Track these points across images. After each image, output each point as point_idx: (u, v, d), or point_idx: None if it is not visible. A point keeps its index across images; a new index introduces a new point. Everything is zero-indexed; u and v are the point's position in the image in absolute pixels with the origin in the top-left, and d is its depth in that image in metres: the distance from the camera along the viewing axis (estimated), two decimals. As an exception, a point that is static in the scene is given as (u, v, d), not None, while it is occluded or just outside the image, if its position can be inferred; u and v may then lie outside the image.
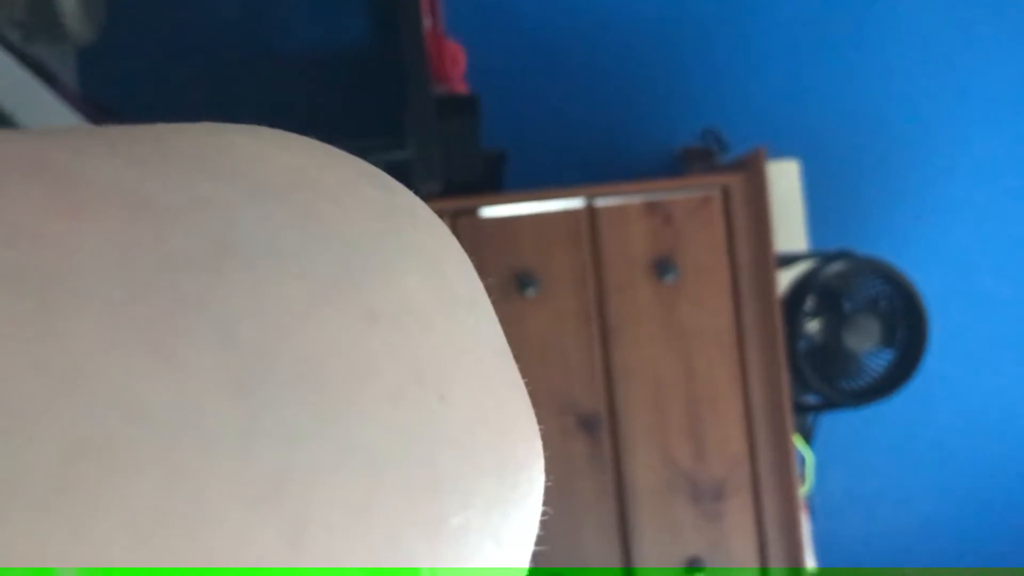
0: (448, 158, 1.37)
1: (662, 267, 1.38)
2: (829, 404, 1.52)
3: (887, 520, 1.88)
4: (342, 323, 0.13)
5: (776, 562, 1.40)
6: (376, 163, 0.17)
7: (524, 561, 0.17)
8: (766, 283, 1.37)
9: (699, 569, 1.38)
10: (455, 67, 1.50)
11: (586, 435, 1.38)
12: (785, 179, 1.62)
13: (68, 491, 0.10)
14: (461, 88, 1.54)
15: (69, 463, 0.10)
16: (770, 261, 1.36)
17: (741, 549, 1.40)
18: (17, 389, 0.10)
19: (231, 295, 0.12)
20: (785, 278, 1.52)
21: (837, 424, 1.79)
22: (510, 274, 1.37)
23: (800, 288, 1.49)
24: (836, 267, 1.46)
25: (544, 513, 0.18)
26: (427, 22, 1.42)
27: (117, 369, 0.10)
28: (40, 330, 0.10)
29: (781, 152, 1.68)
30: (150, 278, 0.11)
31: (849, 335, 1.46)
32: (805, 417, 1.58)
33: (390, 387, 0.14)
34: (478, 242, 1.35)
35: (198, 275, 0.12)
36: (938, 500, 1.89)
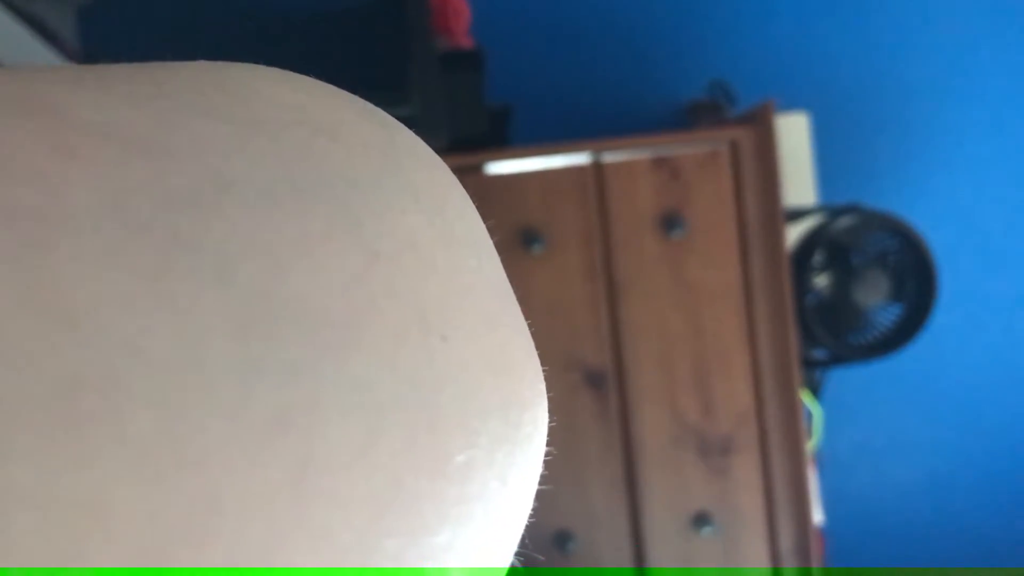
0: (452, 113, 1.35)
1: (669, 222, 1.37)
2: (837, 359, 1.52)
3: (895, 475, 1.89)
4: (342, 262, 0.13)
5: (784, 516, 1.41)
6: (379, 119, 0.17)
7: (529, 500, 0.17)
8: (774, 238, 1.36)
9: (707, 524, 1.39)
10: (459, 20, 1.48)
11: (593, 391, 1.38)
12: (794, 132, 1.60)
13: (68, 426, 0.10)
14: (465, 42, 1.52)
15: (68, 398, 0.10)
16: (778, 216, 1.35)
17: (749, 504, 1.41)
18: (12, 325, 0.10)
19: (228, 234, 0.12)
20: (793, 233, 1.51)
21: (845, 379, 1.79)
22: (516, 231, 1.36)
23: (809, 243, 1.48)
24: (845, 221, 1.45)
25: (548, 453, 0.18)
26: (430, -25, 1.39)
27: (114, 307, 0.10)
28: (36, 268, 0.10)
29: (790, 105, 1.66)
30: (146, 217, 0.11)
31: (858, 289, 1.45)
32: (813, 372, 1.58)
33: (391, 327, 0.13)
34: (483, 199, 1.34)
35: (194, 214, 0.12)
36: (946, 455, 1.90)
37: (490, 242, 0.18)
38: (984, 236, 1.84)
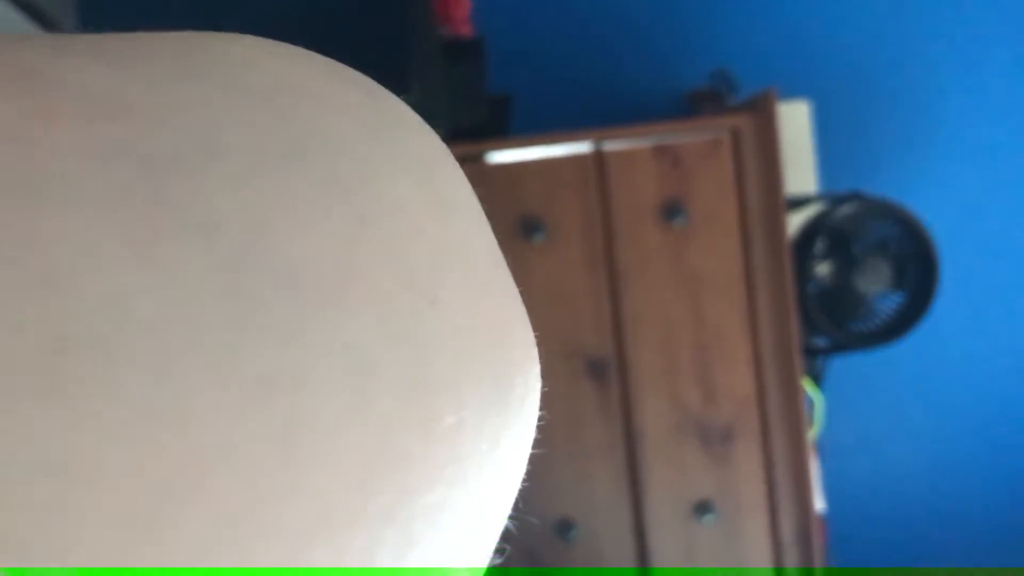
0: (453, 102, 1.35)
1: (671, 211, 1.37)
2: (839, 347, 1.52)
3: (896, 462, 1.89)
4: (329, 226, 0.13)
5: (785, 504, 1.41)
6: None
7: (521, 465, 0.17)
8: (776, 226, 1.36)
9: (708, 511, 1.39)
10: (459, 9, 1.48)
11: (595, 380, 1.38)
12: (795, 121, 1.60)
13: (55, 388, 0.10)
14: (466, 30, 1.51)
15: (55, 359, 0.10)
16: (780, 204, 1.35)
17: (750, 491, 1.41)
18: None
19: (213, 196, 0.12)
20: (795, 221, 1.50)
21: (847, 367, 1.79)
22: (517, 221, 1.36)
23: (810, 231, 1.48)
24: (846, 209, 1.45)
25: (541, 418, 0.18)
26: (430, -37, 1.39)
27: (100, 269, 0.10)
28: (19, 230, 0.10)
29: (791, 93, 1.65)
30: (131, 181, 0.11)
31: (859, 277, 1.45)
32: (814, 360, 1.58)
33: (379, 291, 0.13)
34: (484, 189, 1.33)
35: (178, 176, 0.12)
36: (947, 443, 1.90)
37: (480, 209, 0.18)
38: (986, 224, 1.84)
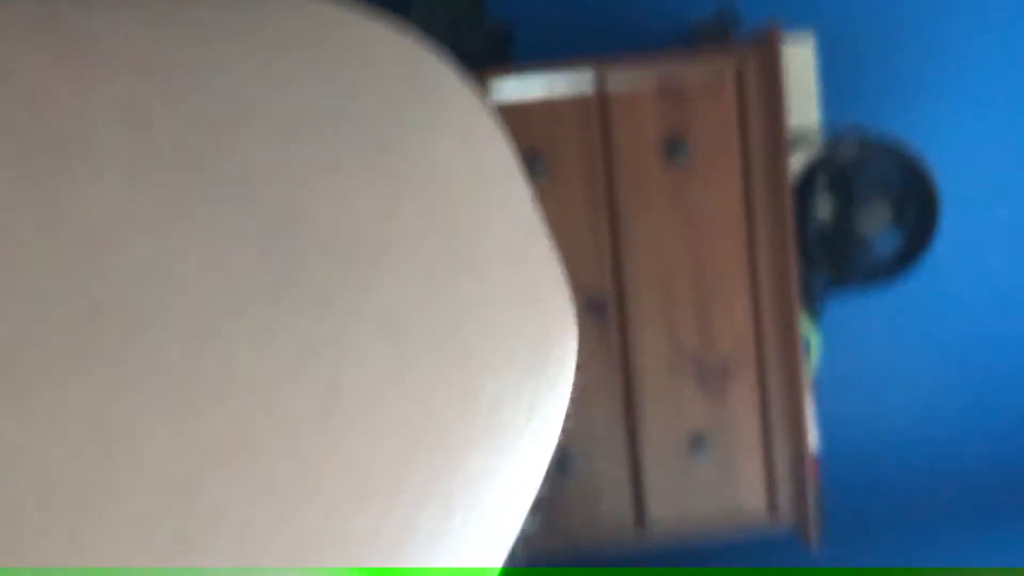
0: (454, 33, 1.33)
1: (673, 148, 1.35)
2: (837, 286, 1.52)
3: (892, 402, 1.91)
4: (369, 190, 0.13)
5: (779, 440, 1.42)
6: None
7: (555, 434, 0.17)
8: (778, 165, 1.35)
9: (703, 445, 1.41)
10: (460, -62, 1.45)
11: (594, 317, 1.39)
12: (799, 55, 1.58)
13: (95, 356, 0.09)
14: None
15: (93, 326, 0.09)
16: (783, 143, 1.34)
17: (745, 428, 1.42)
18: (31, 252, 0.09)
19: (251, 157, 0.12)
20: (797, 160, 1.49)
21: (845, 307, 1.79)
22: (518, 159, 1.35)
23: (811, 170, 1.47)
24: (848, 149, 1.44)
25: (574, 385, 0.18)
26: None
27: (137, 230, 0.10)
28: (52, 194, 0.10)
29: (796, 26, 1.63)
30: (166, 140, 0.11)
31: (860, 217, 1.45)
32: (813, 299, 1.59)
33: (418, 257, 0.13)
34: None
35: (216, 137, 0.11)
36: (943, 383, 1.91)
37: (519, 169, 0.18)
38: (988, 163, 1.83)
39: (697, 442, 1.42)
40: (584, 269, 1.37)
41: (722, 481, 1.44)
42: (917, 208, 1.45)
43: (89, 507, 0.09)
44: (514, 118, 1.35)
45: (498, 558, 0.16)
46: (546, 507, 1.42)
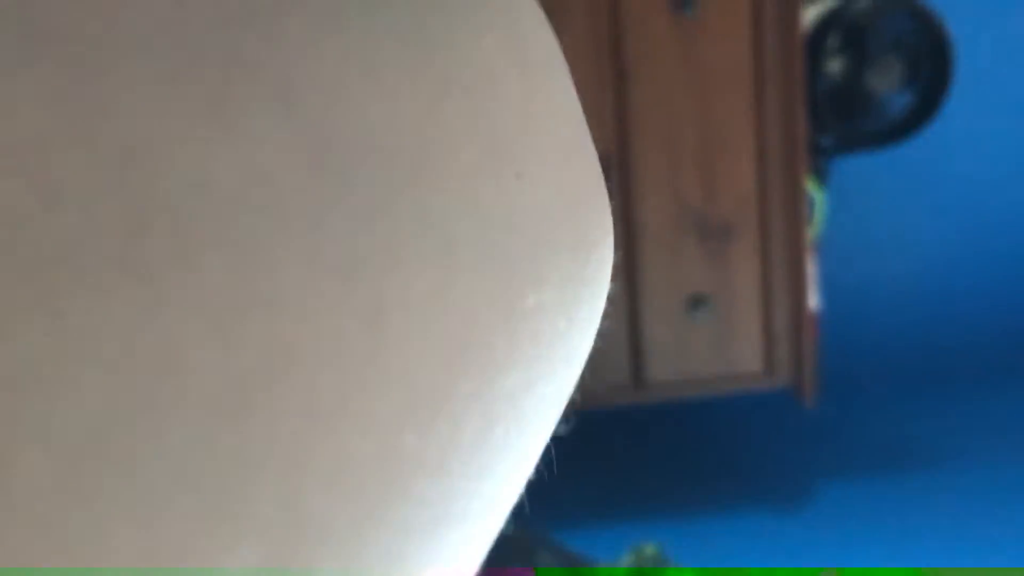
0: None
1: (681, 0, 1.32)
2: (845, 145, 1.50)
3: (895, 266, 1.91)
4: (413, 91, 0.12)
5: (779, 298, 1.43)
6: None
7: (592, 337, 0.17)
8: (790, 18, 1.32)
9: (703, 303, 1.42)
10: None
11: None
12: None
13: (134, 272, 0.09)
14: None
15: (131, 240, 0.09)
16: (795, -7, 1.30)
17: (745, 287, 1.43)
18: (63, 163, 0.09)
19: (292, 58, 0.11)
20: (809, 14, 1.46)
21: (852, 167, 1.77)
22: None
23: (824, 25, 1.43)
24: (863, 2, 1.40)
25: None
26: None
27: (175, 139, 0.10)
28: (88, 100, 0.09)
29: None
30: (203, 38, 0.10)
31: (871, 74, 1.42)
32: (820, 158, 1.57)
33: (465, 163, 0.13)
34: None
35: (255, 34, 0.11)
36: (948, 248, 1.91)
37: (564, 64, 0.17)
38: (1005, 21, 1.78)
39: (696, 299, 1.43)
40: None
41: (720, 337, 1.45)
42: (931, 67, 1.42)
43: (133, 426, 0.09)
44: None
45: (532, 463, 0.16)
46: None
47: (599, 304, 0.16)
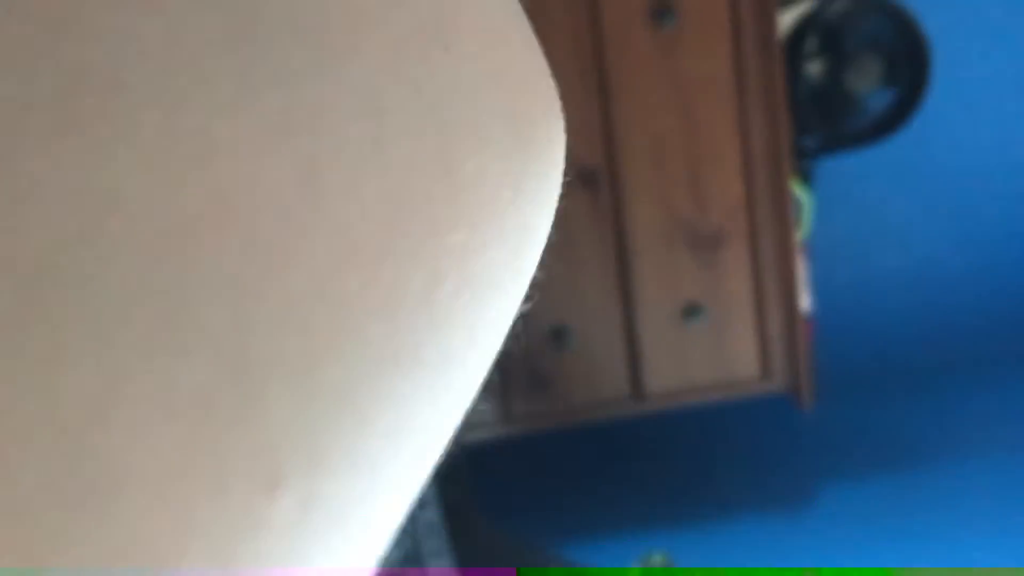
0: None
1: (660, 14, 1.33)
2: (829, 146, 1.51)
3: (885, 263, 1.92)
4: None
5: (772, 302, 1.44)
6: None
7: (547, 217, 0.17)
8: (767, 25, 1.33)
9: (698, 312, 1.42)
10: None
11: (586, 190, 1.38)
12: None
13: (75, 124, 0.10)
14: None
15: (71, 96, 0.10)
16: (771, 1, 1.31)
17: (738, 293, 1.44)
18: (2, 30, 0.10)
19: None
20: (786, 19, 1.47)
21: (836, 168, 1.78)
22: None
23: (801, 28, 1.45)
24: (838, 5, 1.42)
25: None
26: None
27: (106, 8, 0.10)
28: None
29: None
30: None
31: (850, 75, 1.43)
32: (805, 161, 1.58)
33: (388, 35, 0.13)
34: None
35: None
36: (936, 243, 1.92)
37: None
38: (981, 17, 1.80)
39: (691, 308, 1.43)
40: (574, 140, 1.35)
41: (716, 344, 1.46)
42: (909, 65, 1.44)
43: (76, 266, 0.09)
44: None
45: (495, 340, 0.16)
46: (545, 382, 1.45)
47: (550, 181, 0.17)
